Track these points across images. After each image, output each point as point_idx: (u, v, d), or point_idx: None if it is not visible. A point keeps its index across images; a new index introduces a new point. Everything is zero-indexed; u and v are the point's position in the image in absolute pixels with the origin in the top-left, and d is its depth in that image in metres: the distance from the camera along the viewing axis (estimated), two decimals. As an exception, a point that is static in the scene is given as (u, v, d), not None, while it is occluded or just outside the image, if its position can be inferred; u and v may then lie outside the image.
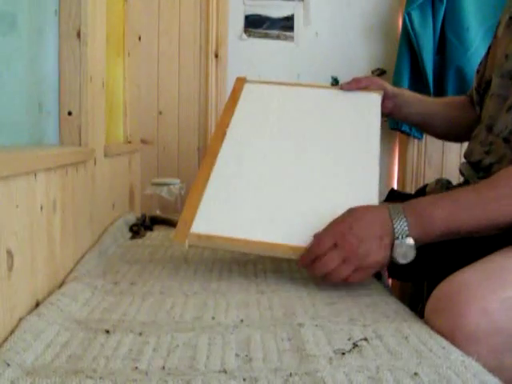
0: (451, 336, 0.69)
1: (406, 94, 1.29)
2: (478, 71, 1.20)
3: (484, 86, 1.12)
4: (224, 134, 1.12)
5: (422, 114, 1.28)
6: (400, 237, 0.83)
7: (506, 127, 0.97)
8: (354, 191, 1.00)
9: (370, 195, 0.98)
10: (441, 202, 0.84)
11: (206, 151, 1.10)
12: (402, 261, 0.84)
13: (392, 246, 0.83)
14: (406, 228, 0.83)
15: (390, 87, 1.24)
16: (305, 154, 1.08)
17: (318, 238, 0.88)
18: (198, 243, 0.95)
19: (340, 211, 0.90)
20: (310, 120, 1.17)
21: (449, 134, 1.36)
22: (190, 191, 1.02)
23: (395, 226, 0.83)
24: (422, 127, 1.40)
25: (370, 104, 1.19)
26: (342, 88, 1.23)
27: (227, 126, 1.14)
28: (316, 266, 0.87)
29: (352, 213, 0.88)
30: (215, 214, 0.97)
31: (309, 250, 0.88)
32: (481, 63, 1.20)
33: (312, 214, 0.94)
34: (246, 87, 1.26)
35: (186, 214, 0.97)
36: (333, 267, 0.85)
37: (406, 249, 0.83)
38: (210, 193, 1.00)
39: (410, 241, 0.83)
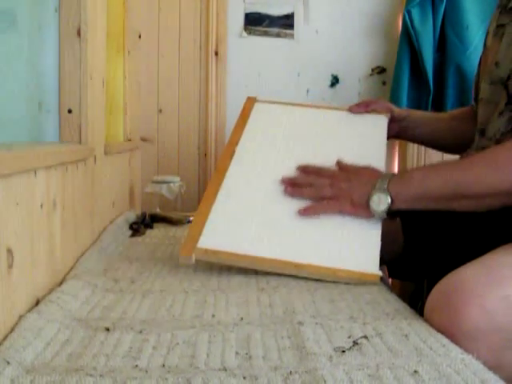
0: (450, 334, 0.69)
1: (412, 115, 1.31)
2: (474, 81, 1.22)
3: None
4: (233, 152, 1.13)
5: (429, 133, 1.31)
6: (379, 186, 0.93)
7: (499, 130, 0.98)
8: None
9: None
10: (423, 167, 0.91)
11: (215, 169, 1.12)
12: (375, 207, 0.93)
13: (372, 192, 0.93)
14: (387, 181, 0.93)
15: (396, 110, 1.27)
16: None
17: (317, 171, 1.03)
18: (205, 258, 0.95)
19: (346, 231, 0.96)
20: (317, 141, 1.19)
21: (457, 148, 1.36)
22: (199, 208, 1.03)
23: (379, 179, 0.94)
24: (430, 146, 1.44)
25: (377, 126, 1.22)
26: (350, 110, 1.26)
27: (236, 144, 1.15)
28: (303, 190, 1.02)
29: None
30: (222, 230, 0.98)
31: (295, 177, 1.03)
32: (476, 72, 1.21)
33: (318, 234, 0.96)
34: (256, 107, 1.28)
35: (194, 229, 0.98)
36: (319, 191, 0.99)
37: (380, 196, 0.92)
38: (218, 209, 1.01)
39: (385, 187, 0.92)
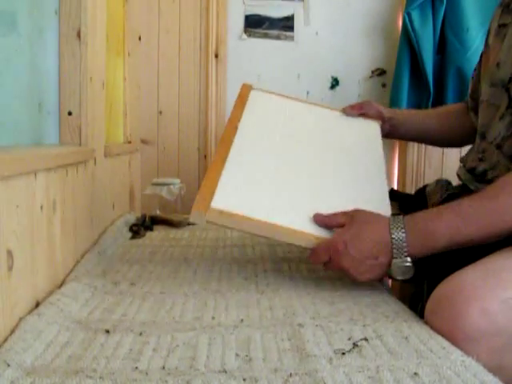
0: (451, 336, 0.69)
1: (399, 113, 1.34)
2: (472, 77, 1.22)
3: (479, 93, 1.13)
4: (236, 127, 1.11)
5: (417, 129, 1.32)
6: (398, 257, 0.83)
7: (499, 134, 0.98)
8: (369, 195, 1.02)
9: (384, 205, 1.00)
10: (444, 216, 0.82)
11: (220, 140, 1.08)
12: (399, 277, 0.85)
13: (389, 264, 0.84)
14: (405, 248, 0.82)
15: (385, 111, 1.29)
16: (317, 157, 1.10)
17: (314, 251, 0.89)
18: (217, 220, 0.88)
19: (359, 204, 0.93)
20: (317, 131, 1.20)
21: (446, 143, 1.41)
22: (208, 170, 0.97)
23: (394, 243, 0.82)
24: (420, 141, 1.46)
25: (372, 129, 1.24)
26: (344, 111, 1.28)
27: (238, 120, 1.13)
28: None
29: (351, 225, 0.87)
30: (236, 192, 0.93)
31: (309, 257, 0.90)
32: (475, 70, 1.22)
33: (328, 208, 0.93)
34: (253, 93, 1.27)
35: (205, 190, 0.91)
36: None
37: (403, 269, 0.83)
38: (230, 172, 0.97)
39: (408, 260, 0.83)
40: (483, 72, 1.12)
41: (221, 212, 0.88)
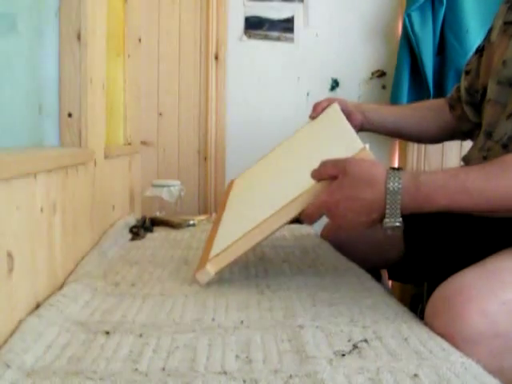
0: (451, 338, 0.69)
1: (371, 105, 1.34)
2: (467, 72, 1.20)
3: (482, 91, 1.12)
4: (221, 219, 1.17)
5: (393, 121, 1.30)
6: (390, 217, 0.78)
7: (506, 134, 0.97)
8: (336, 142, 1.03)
9: (353, 140, 0.95)
10: (447, 185, 0.77)
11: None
12: (388, 232, 0.81)
13: (381, 220, 0.80)
14: (398, 209, 0.78)
15: (351, 102, 1.29)
16: (291, 174, 1.08)
17: (306, 213, 0.86)
18: (220, 263, 0.93)
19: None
20: (292, 162, 1.19)
21: (422, 137, 1.35)
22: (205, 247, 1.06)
23: (388, 202, 0.78)
24: (395, 134, 1.39)
25: (332, 112, 1.23)
26: (310, 117, 1.28)
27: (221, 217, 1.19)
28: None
29: (342, 182, 0.82)
30: (220, 246, 0.97)
31: (301, 215, 0.88)
32: (469, 63, 1.19)
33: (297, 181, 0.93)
34: (235, 184, 1.38)
35: (201, 261, 1.00)
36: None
37: (394, 228, 0.79)
38: (217, 240, 1.03)
39: (400, 221, 0.78)
40: (485, 68, 1.11)
41: (217, 255, 0.93)
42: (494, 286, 0.73)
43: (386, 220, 0.79)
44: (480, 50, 1.16)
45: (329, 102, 1.27)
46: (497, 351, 0.69)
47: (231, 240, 0.94)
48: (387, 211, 0.79)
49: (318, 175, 0.86)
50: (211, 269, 0.92)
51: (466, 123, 1.20)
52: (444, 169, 0.82)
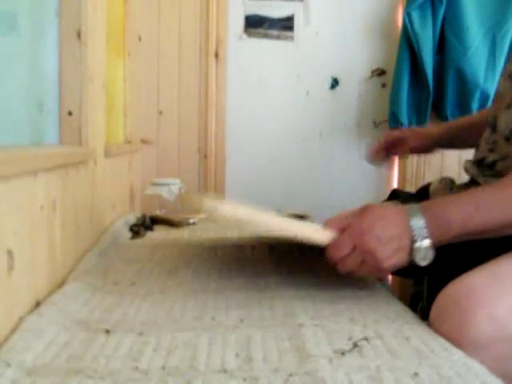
0: (457, 342, 0.68)
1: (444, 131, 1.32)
2: None
3: None
4: None
5: (463, 141, 1.31)
6: (418, 239, 0.79)
7: (506, 126, 0.97)
8: None
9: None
10: (457, 203, 0.80)
11: None
12: (421, 263, 0.80)
13: (411, 248, 0.79)
14: (425, 229, 0.78)
15: (424, 134, 1.32)
16: None
17: (336, 242, 0.82)
18: (231, 211, 0.85)
19: None
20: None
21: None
22: None
23: (413, 226, 0.79)
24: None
25: None
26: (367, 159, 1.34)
27: None
28: (337, 267, 0.84)
29: (369, 212, 0.83)
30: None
31: (328, 252, 0.83)
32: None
33: None
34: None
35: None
36: (352, 268, 0.82)
37: (425, 251, 0.79)
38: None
39: (428, 242, 0.79)
40: None
41: (234, 206, 0.85)
42: (502, 290, 0.72)
43: (416, 244, 0.79)
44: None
45: (402, 135, 1.30)
46: (503, 356, 0.68)
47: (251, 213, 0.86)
48: (415, 233, 0.79)
49: (338, 225, 0.83)
50: (221, 208, 0.84)
51: None
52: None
